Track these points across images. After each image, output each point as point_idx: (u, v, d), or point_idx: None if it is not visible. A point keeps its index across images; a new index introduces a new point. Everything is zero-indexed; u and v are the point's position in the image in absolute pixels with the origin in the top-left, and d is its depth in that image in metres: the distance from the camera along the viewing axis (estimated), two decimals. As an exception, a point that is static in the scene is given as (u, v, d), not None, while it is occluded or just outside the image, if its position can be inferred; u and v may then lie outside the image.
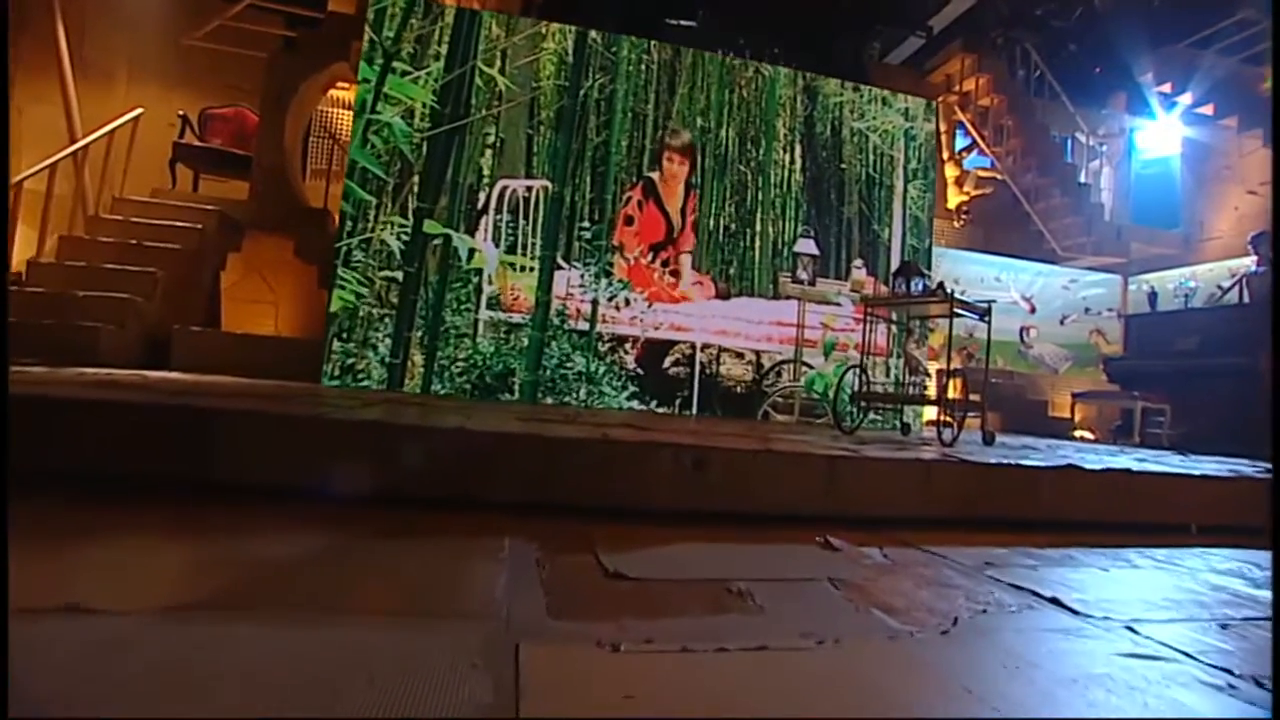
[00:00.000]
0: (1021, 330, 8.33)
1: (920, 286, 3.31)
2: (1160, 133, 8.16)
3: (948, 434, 2.96)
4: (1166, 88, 7.51)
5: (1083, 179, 8.03)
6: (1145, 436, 5.73)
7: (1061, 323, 8.37)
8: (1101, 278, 8.50)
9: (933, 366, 4.72)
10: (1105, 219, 7.99)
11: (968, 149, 8.24)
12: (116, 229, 4.89)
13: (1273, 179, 7.08)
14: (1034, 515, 2.00)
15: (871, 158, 4.63)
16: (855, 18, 8.30)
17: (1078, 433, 7.21)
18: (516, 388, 4.05)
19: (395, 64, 4.05)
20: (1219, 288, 7.84)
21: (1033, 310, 8.10)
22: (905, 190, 4.64)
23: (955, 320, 3.29)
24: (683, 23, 7.57)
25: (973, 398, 4.36)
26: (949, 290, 3.17)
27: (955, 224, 8.02)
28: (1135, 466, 2.34)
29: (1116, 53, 7.45)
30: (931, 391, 4.10)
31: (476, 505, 1.59)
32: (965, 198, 8.12)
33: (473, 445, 1.70)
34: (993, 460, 2.16)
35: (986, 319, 3.32)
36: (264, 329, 5.27)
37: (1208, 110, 7.56)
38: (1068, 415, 7.63)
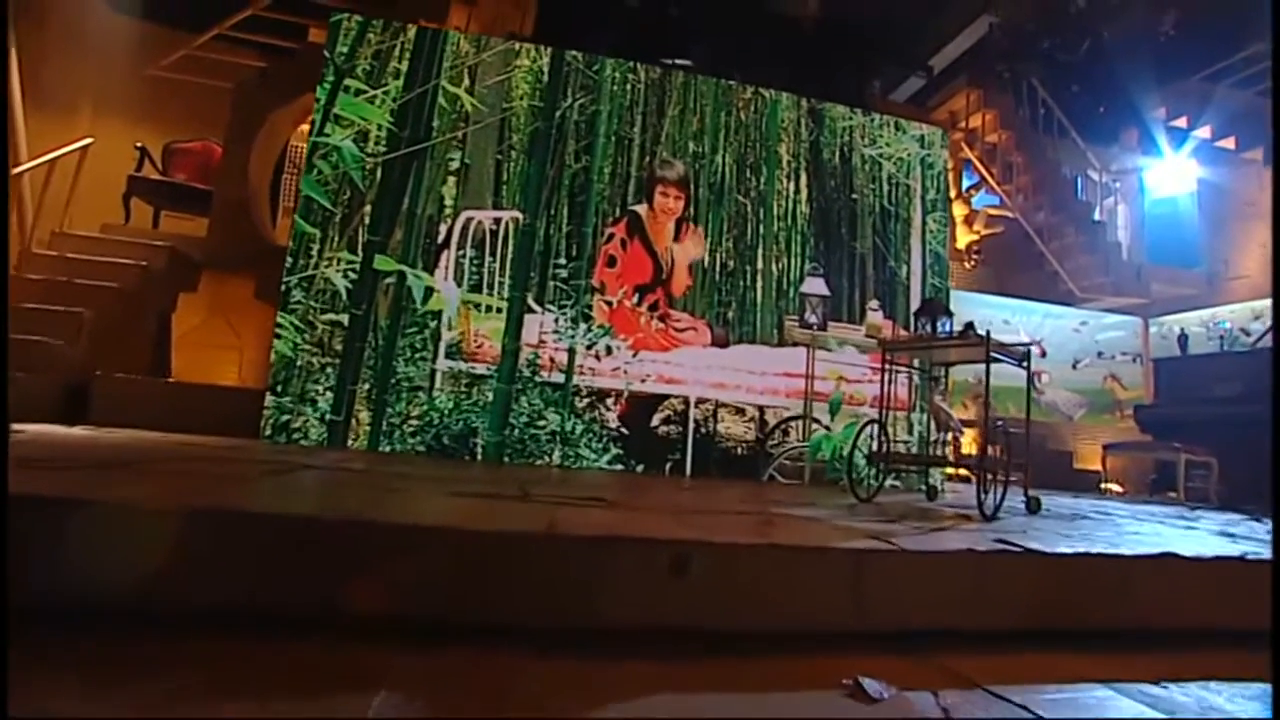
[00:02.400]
0: (1032, 375, 7.83)
1: (947, 327, 2.78)
2: (1176, 168, 7.78)
3: (988, 502, 2.38)
4: (1182, 121, 7.15)
5: (1097, 216, 7.63)
6: (1189, 492, 5.14)
7: (1074, 367, 7.90)
8: (1116, 320, 8.04)
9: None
10: (1123, 258, 7.55)
11: (975, 187, 7.86)
12: (48, 265, 4.37)
13: (1273, 179, 6.67)
14: (1125, 622, 1.50)
15: (885, 187, 4.15)
16: (854, 57, 8.03)
17: (1104, 485, 6.62)
18: (479, 449, 3.47)
19: (349, 82, 3.59)
20: (1242, 331, 7.37)
21: (1043, 354, 7.62)
22: (924, 223, 4.16)
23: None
24: (677, 61, 7.27)
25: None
26: (983, 332, 2.64)
27: (966, 264, 7.57)
28: (1246, 553, 1.77)
29: (1128, 87, 7.12)
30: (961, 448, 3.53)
31: (344, 628, 1.03)
32: (975, 237, 7.69)
33: (343, 541, 1.14)
34: (1065, 550, 1.61)
35: (1026, 365, 2.78)
36: (227, 377, 4.74)
37: (1229, 144, 7.19)
38: (1095, 467, 7.05)
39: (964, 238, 7.76)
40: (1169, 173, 7.85)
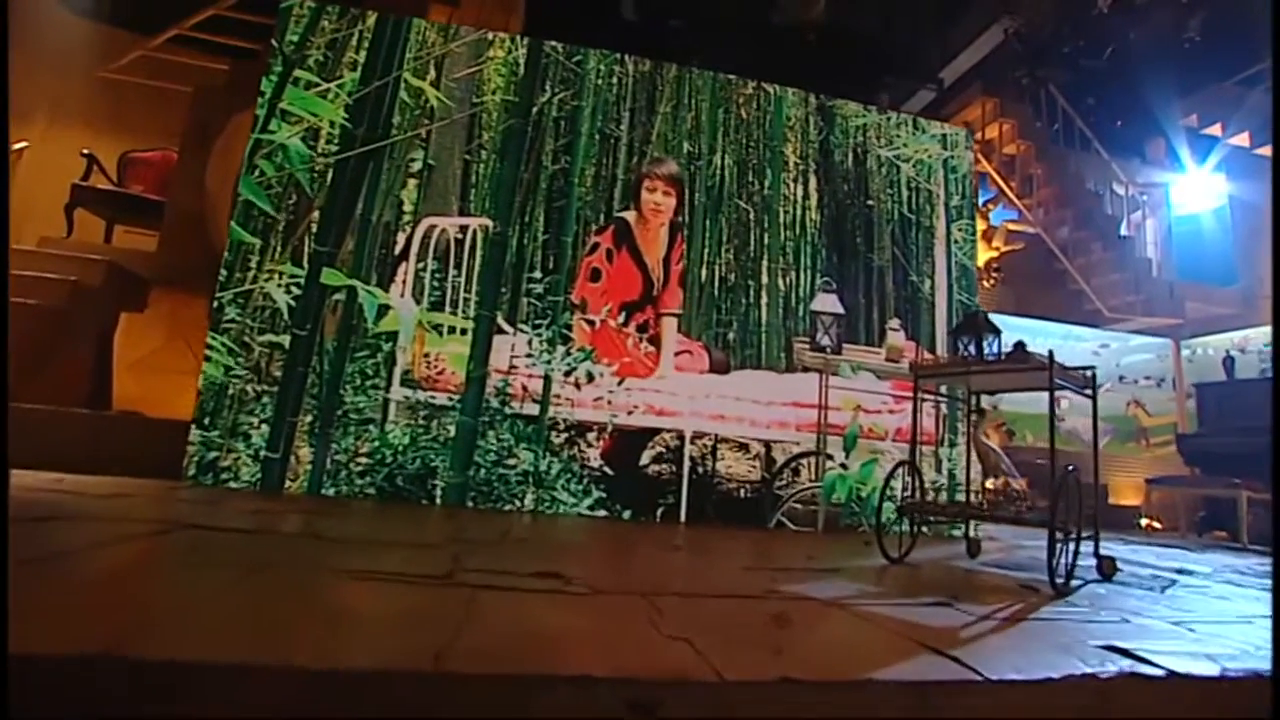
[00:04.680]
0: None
1: (995, 348, 2.30)
2: (1207, 179, 7.32)
3: (1056, 564, 1.87)
4: (1216, 129, 6.71)
5: (1124, 231, 7.16)
6: (1253, 535, 4.56)
7: (1095, 391, 7.39)
8: (1141, 342, 7.54)
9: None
10: (1153, 275, 7.06)
11: (993, 201, 7.41)
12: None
13: (1273, 180, 6.18)
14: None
15: (905, 192, 3.69)
16: (862, 69, 7.66)
17: (1145, 523, 6.07)
18: (439, 492, 2.97)
19: (299, 73, 3.18)
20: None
21: (1065, 378, 7.11)
22: (948, 232, 3.69)
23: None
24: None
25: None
26: (1037, 352, 2.15)
27: (986, 283, 7.08)
28: None
29: (1155, 93, 6.70)
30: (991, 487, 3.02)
31: None
32: (995, 253, 7.22)
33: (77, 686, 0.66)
34: (1216, 670, 1.11)
35: (1090, 392, 2.29)
36: (185, 407, 4.30)
37: (1265, 151, 6.73)
38: (1133, 503, 6.49)
39: (982, 255, 7.29)
40: (1200, 183, 7.39)
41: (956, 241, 3.70)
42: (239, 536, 1.72)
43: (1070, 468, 1.95)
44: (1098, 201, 7.11)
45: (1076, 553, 1.94)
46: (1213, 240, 7.66)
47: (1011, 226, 7.32)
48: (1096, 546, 2.16)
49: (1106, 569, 2.14)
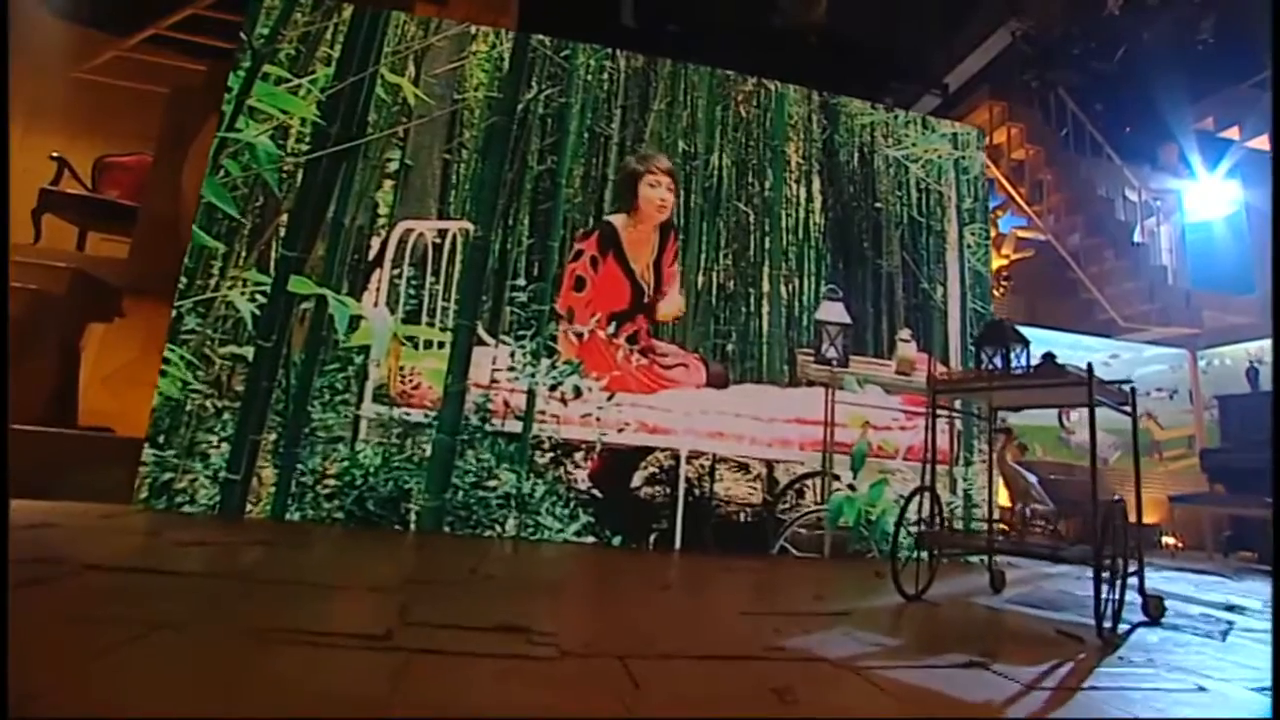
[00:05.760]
0: (1060, 413, 7.03)
1: (1023, 358, 2.07)
2: (1223, 184, 7.10)
3: (1105, 611, 1.62)
4: (1234, 132, 6.49)
5: (1137, 238, 6.93)
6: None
7: (1104, 403, 7.13)
8: (1155, 353, 7.29)
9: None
10: (1169, 283, 6.82)
11: (1002, 207, 7.19)
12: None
13: (1273, 180, 5.94)
14: None
15: (914, 194, 3.47)
16: (865, 74, 7.49)
17: (1167, 542, 5.81)
18: (413, 516, 2.74)
19: (269, 68, 2.98)
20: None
21: (1081, 390, 6.85)
22: (961, 236, 3.47)
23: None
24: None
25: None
26: (1074, 365, 1.92)
27: (996, 292, 6.85)
28: None
29: (1169, 95, 6.49)
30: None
31: None
32: (1004, 261, 7.00)
33: None
34: None
35: (1129, 409, 2.06)
36: None
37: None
38: (1150, 520, 6.21)
39: (993, 262, 7.07)
40: (1214, 188, 7.17)
41: (969, 246, 3.48)
42: (156, 581, 1.48)
43: (1117, 499, 1.71)
44: (1109, 207, 6.89)
45: (1123, 594, 1.70)
46: (1229, 247, 7.43)
47: (1021, 234, 7.10)
48: (1141, 583, 1.91)
49: (1153, 610, 1.89)
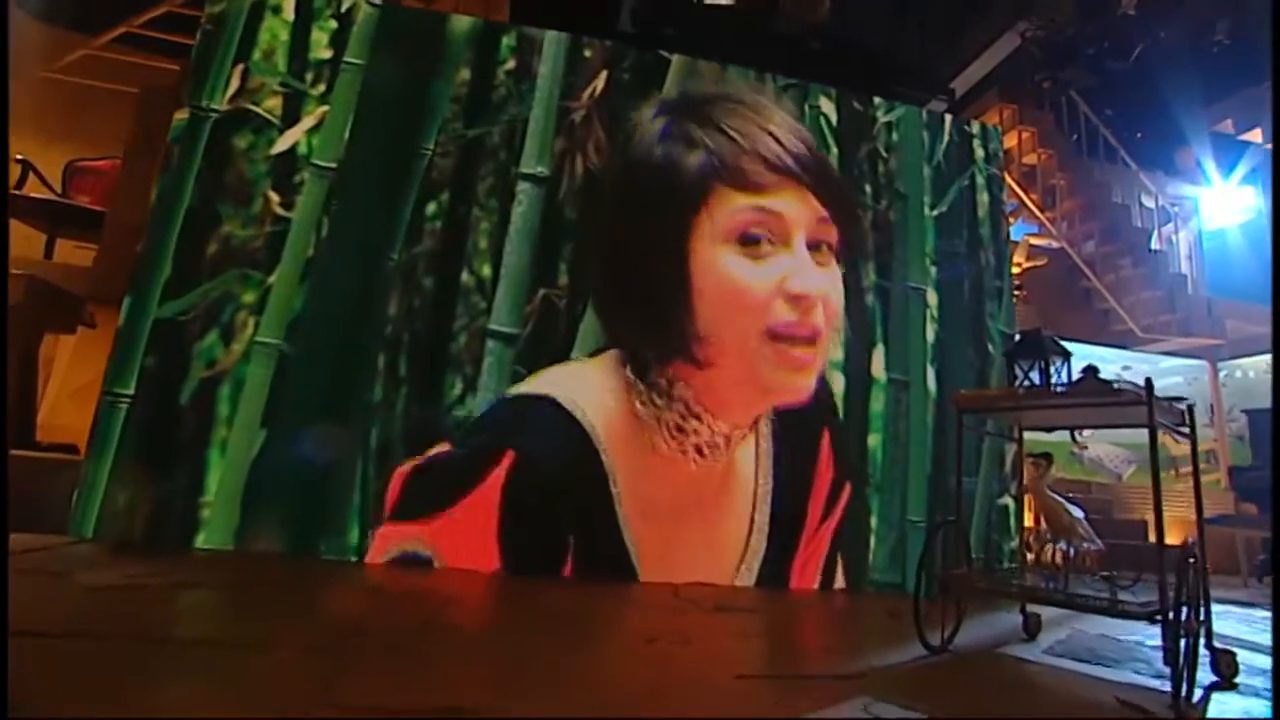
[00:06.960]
0: (1072, 428, 6.75)
1: (1064, 372, 1.81)
2: (1241, 189, 6.85)
3: (1181, 680, 1.35)
4: (1255, 134, 6.25)
5: (1154, 245, 6.66)
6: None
7: (1118, 417, 6.83)
8: (1172, 364, 6.99)
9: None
10: (1189, 292, 6.54)
11: (1013, 213, 6.95)
12: None
13: (1273, 180, 5.69)
14: None
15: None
16: (869, 79, 7.28)
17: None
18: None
19: (227, 59, 2.75)
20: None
21: (1096, 404, 6.56)
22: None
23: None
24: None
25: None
26: (1129, 382, 1.65)
27: (1008, 300, 6.58)
28: None
29: (1186, 97, 6.25)
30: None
31: None
32: (1016, 269, 6.74)
33: None
34: None
35: (1188, 430, 1.79)
36: None
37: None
38: (1172, 540, 5.90)
39: (1003, 270, 6.81)
40: (1234, 193, 6.92)
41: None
42: (23, 645, 1.21)
43: (1191, 558, 1.43)
44: (1125, 213, 6.63)
45: (1196, 656, 1.42)
46: (1245, 254, 7.16)
47: (1033, 240, 6.85)
48: (1210, 636, 1.63)
49: (1224, 668, 1.61)
